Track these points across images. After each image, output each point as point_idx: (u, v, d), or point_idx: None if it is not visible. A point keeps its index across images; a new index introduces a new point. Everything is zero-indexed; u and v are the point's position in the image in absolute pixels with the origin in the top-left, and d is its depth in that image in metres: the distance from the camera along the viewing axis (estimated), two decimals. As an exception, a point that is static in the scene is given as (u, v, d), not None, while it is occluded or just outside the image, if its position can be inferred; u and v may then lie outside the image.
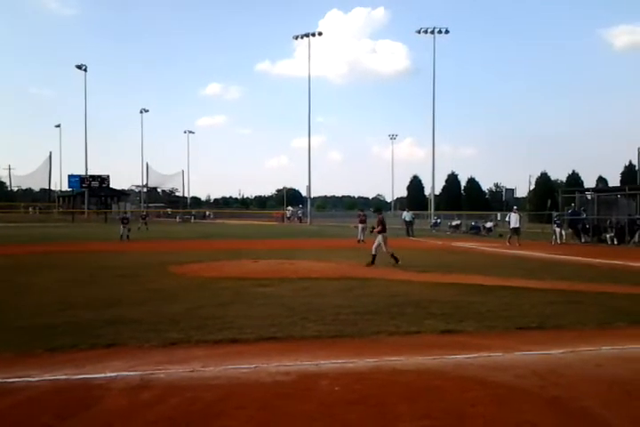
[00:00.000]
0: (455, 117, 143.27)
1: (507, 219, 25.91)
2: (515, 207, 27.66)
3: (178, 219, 65.87)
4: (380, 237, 14.36)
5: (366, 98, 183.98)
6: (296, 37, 60.39)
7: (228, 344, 5.74)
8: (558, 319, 7.14)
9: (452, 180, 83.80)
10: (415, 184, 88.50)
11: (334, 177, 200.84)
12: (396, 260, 14.02)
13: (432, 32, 51.98)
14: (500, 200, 68.89)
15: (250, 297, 8.82)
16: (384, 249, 14.26)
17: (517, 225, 24.66)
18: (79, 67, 68.12)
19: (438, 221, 42.56)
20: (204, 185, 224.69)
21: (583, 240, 26.60)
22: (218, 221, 65.70)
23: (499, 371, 4.83)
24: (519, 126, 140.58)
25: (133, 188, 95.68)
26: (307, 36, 58.85)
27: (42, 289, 9.78)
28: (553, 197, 39.29)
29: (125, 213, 40.59)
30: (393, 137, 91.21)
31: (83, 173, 73.60)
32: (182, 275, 11.96)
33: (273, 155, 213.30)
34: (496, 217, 41.47)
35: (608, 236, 25.29)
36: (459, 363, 5.06)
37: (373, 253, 14.17)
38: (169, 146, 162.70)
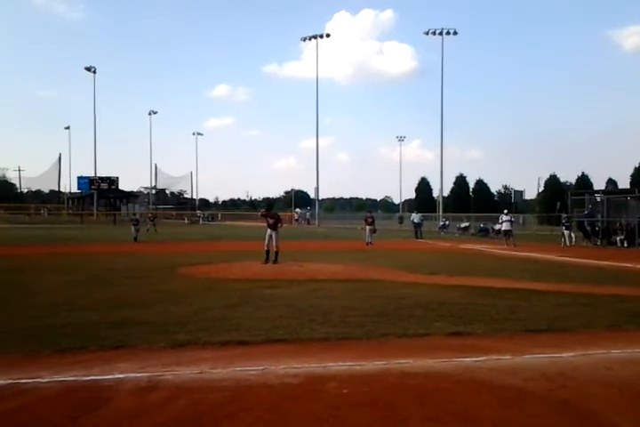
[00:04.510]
0: (463, 119, 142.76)
1: (499, 221, 27.31)
2: (505, 211, 28.23)
3: (186, 220, 66.29)
4: (274, 234, 14.94)
5: (374, 99, 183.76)
6: (304, 39, 60.70)
7: (235, 346, 5.74)
8: (567, 322, 7.10)
9: (461, 182, 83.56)
10: (423, 186, 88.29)
11: (342, 179, 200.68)
12: (275, 259, 14.63)
13: (440, 33, 51.99)
14: (508, 202, 68.52)
15: (258, 299, 8.82)
16: (273, 244, 14.81)
17: (509, 227, 25.45)
18: (88, 69, 68.55)
19: (447, 223, 42.50)
20: (213, 187, 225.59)
21: (592, 243, 26.49)
22: (227, 222, 65.95)
23: (508, 374, 4.80)
24: (528, 128, 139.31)
25: (142, 189, 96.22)
26: (314, 37, 59.07)
27: (50, 290, 9.82)
28: (562, 200, 39.13)
29: (135, 214, 40.72)
30: (401, 139, 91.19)
31: (92, 174, 74.07)
32: (190, 276, 11.99)
33: (281, 156, 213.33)
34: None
35: (618, 238, 25.16)
36: (467, 366, 5.04)
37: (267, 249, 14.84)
38: (177, 148, 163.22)
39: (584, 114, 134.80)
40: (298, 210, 72.53)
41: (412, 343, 5.99)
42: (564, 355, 5.45)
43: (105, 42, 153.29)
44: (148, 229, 34.35)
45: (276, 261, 14.56)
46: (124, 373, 4.70)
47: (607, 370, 4.98)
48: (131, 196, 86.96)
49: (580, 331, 6.72)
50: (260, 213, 16.34)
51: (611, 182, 67.00)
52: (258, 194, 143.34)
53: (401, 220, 49.37)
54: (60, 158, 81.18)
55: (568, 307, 8.24)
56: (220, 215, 78.03)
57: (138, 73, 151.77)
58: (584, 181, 66.48)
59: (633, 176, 63.95)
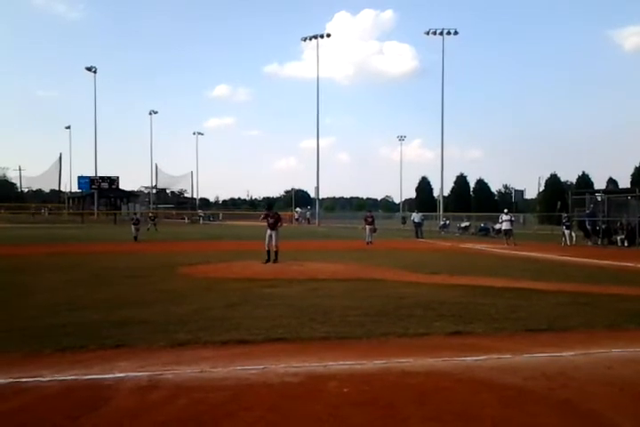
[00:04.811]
0: (464, 119, 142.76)
1: (500, 220, 27.58)
2: (505, 210, 28.41)
3: (187, 220, 66.31)
4: (274, 234, 14.90)
5: (374, 99, 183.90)
6: (304, 39, 60.80)
7: (236, 345, 5.74)
8: (567, 321, 7.10)
9: (461, 181, 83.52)
10: (424, 186, 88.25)
11: (343, 178, 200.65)
12: (275, 259, 14.64)
13: (441, 33, 52.01)
14: (509, 202, 68.53)
15: (258, 298, 8.82)
16: (273, 244, 14.79)
17: (509, 227, 25.61)
18: (89, 69, 68.64)
19: (447, 222, 42.48)
20: (213, 186, 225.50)
21: (593, 242, 26.49)
22: (227, 222, 65.95)
23: (508, 373, 4.80)
24: (528, 128, 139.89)
25: (142, 189, 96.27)
26: (315, 37, 59.12)
27: (50, 290, 9.82)
28: (563, 199, 39.14)
29: (135, 213, 40.75)
30: (401, 138, 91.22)
31: (92, 174, 74.12)
32: (191, 276, 11.99)
33: (281, 156, 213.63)
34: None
35: (618, 238, 25.15)
36: (468, 365, 5.04)
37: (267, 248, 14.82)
38: (178, 147, 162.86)
39: (584, 114, 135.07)
40: (298, 209, 72.57)
41: (413, 343, 5.99)
42: (564, 354, 5.45)
43: (105, 42, 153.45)
44: (148, 229, 34.38)
45: (276, 261, 14.55)
46: (124, 372, 4.70)
47: (608, 369, 4.98)
48: (131, 195, 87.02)
49: (581, 330, 6.71)
50: (261, 218, 15.96)
51: (611, 182, 66.92)
52: (258, 193, 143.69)
53: (404, 220, 49.20)
54: (60, 158, 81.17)
55: (568, 306, 8.24)
56: (221, 215, 78.07)
57: (138, 73, 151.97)
58: (585, 180, 66.41)
59: (633, 175, 63.85)
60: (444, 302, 8.39)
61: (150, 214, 43.37)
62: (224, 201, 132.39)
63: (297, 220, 63.58)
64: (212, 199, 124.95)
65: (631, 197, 27.54)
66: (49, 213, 71.04)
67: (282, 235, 15.54)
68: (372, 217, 26.35)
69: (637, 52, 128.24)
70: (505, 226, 26.13)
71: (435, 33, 52.13)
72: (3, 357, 5.26)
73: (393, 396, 4.21)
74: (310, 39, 59.80)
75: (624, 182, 63.40)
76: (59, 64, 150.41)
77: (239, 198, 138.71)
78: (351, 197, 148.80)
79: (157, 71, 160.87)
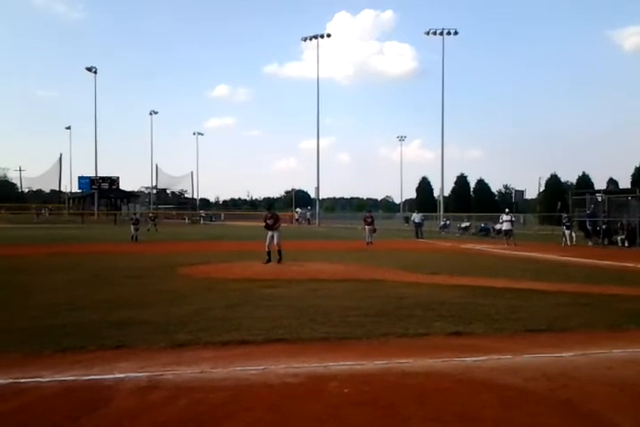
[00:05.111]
0: (464, 119, 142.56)
1: (500, 221, 27.63)
2: (506, 210, 28.50)
3: (187, 220, 66.33)
4: (275, 234, 14.93)
5: (374, 99, 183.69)
6: (304, 39, 60.84)
7: (236, 346, 5.74)
8: (568, 322, 7.09)
9: (462, 181, 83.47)
10: (424, 186, 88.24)
11: (343, 179, 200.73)
12: (280, 259, 14.66)
13: (441, 33, 52.05)
14: (509, 202, 68.52)
15: (258, 299, 8.82)
16: (274, 244, 14.83)
17: (510, 227, 25.64)
18: (89, 69, 68.67)
19: (447, 222, 42.47)
20: (213, 187, 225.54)
21: (593, 242, 26.49)
22: (228, 222, 65.96)
23: (508, 374, 4.80)
24: (528, 128, 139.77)
25: (143, 189, 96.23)
26: (315, 37, 59.17)
27: (50, 290, 9.82)
28: (563, 199, 39.15)
29: (135, 214, 40.74)
30: (402, 139, 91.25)
31: (93, 174, 74.12)
32: (191, 276, 11.99)
33: (281, 156, 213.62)
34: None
35: (619, 238, 25.15)
36: (468, 366, 5.03)
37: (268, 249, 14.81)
38: (178, 148, 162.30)
39: (584, 114, 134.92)
40: (298, 210, 72.53)
41: (413, 343, 5.98)
42: (564, 355, 5.44)
43: (105, 42, 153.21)
44: (148, 229, 34.38)
45: (280, 261, 14.54)
46: (124, 372, 4.70)
47: (608, 370, 4.98)
48: (131, 195, 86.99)
49: (581, 331, 6.71)
50: (265, 224, 15.55)
51: (612, 182, 66.91)
52: (258, 194, 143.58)
53: (407, 220, 49.02)
54: (60, 158, 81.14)
55: (568, 307, 8.24)
56: (222, 215, 78.13)
57: (138, 73, 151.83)
58: (585, 180, 66.37)
59: (634, 176, 63.79)
60: (444, 303, 8.39)
61: (150, 215, 43.35)
62: (224, 201, 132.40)
63: (297, 220, 63.57)
64: (212, 200, 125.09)
65: (631, 197, 27.53)
66: (49, 214, 71.01)
67: (283, 234, 15.51)
68: (371, 217, 26.35)
69: (637, 52, 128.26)
70: (505, 226, 26.17)
71: (435, 33, 52.19)
72: (3, 357, 5.26)
73: (393, 396, 4.20)
74: (310, 39, 59.87)
75: (624, 183, 63.44)
76: (59, 64, 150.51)
77: (239, 199, 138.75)
78: (351, 198, 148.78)
79: (157, 71, 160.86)
